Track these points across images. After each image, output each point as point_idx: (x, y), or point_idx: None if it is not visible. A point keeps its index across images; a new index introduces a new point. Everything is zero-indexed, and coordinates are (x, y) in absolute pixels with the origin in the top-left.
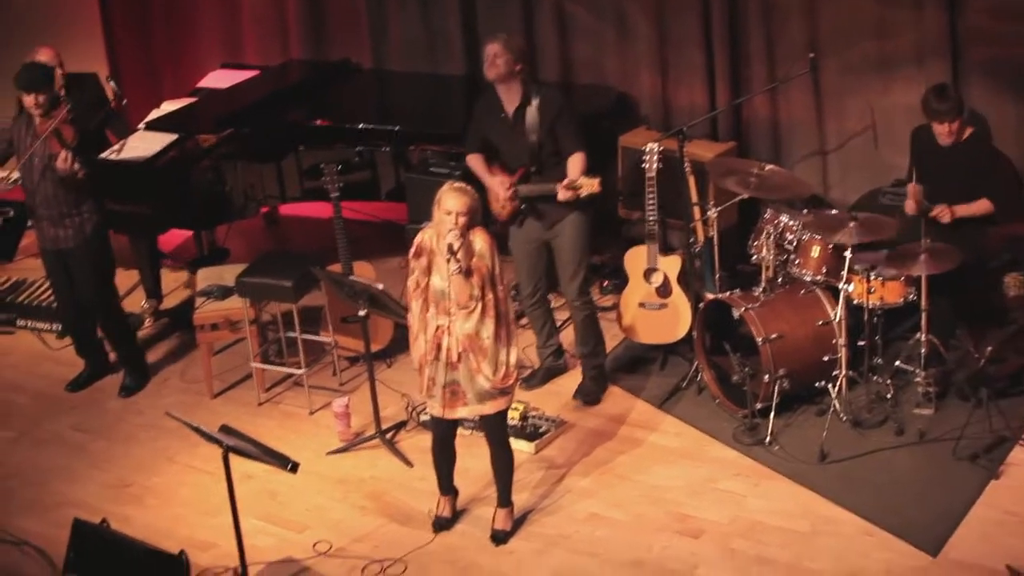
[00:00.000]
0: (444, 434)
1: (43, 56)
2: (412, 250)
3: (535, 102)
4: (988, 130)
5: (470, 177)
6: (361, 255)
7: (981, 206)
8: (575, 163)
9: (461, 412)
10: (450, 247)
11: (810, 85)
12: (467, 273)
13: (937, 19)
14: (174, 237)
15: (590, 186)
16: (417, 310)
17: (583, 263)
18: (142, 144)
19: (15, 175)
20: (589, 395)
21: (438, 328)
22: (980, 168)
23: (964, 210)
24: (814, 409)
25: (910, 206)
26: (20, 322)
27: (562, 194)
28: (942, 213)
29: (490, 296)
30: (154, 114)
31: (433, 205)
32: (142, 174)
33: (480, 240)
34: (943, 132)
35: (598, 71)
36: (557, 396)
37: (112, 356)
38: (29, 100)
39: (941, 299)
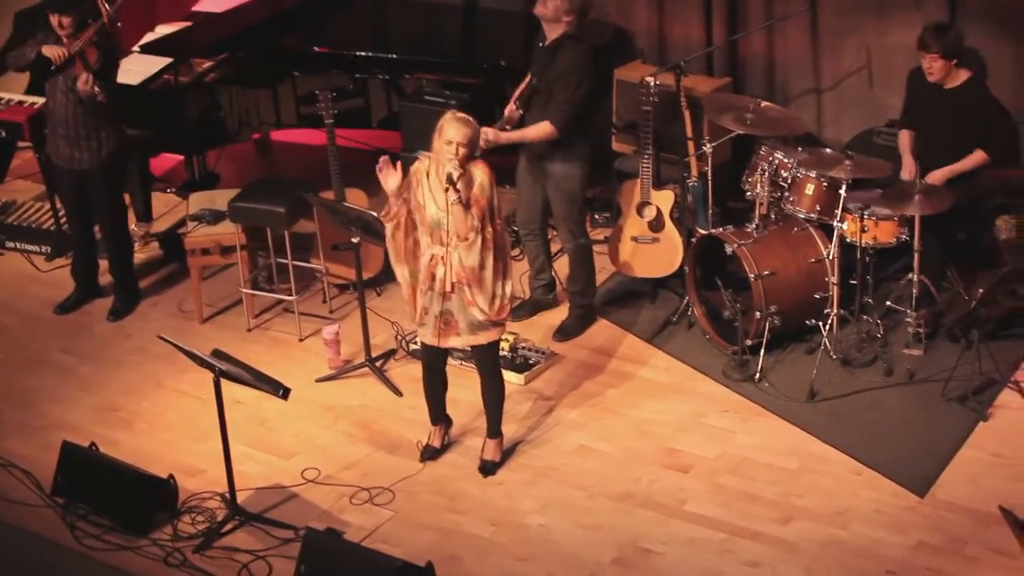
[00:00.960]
0: (435, 362)
1: None
2: (399, 182)
3: (561, 51)
4: (985, 75)
5: (469, 108)
6: (354, 183)
7: (975, 158)
8: (532, 128)
9: (453, 342)
10: (449, 177)
11: (807, 23)
12: (466, 204)
13: None
14: (164, 160)
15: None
16: (392, 235)
17: (572, 209)
18: (135, 67)
19: (12, 97)
20: (569, 333)
21: (432, 257)
22: (975, 114)
23: (957, 168)
24: (804, 347)
25: (906, 172)
26: (9, 244)
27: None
28: (932, 177)
29: (489, 229)
30: (148, 37)
31: (434, 133)
32: (136, 97)
33: (480, 172)
34: (926, 67)
35: (597, 5)
36: (547, 328)
37: (103, 279)
38: (54, 20)
39: (933, 240)
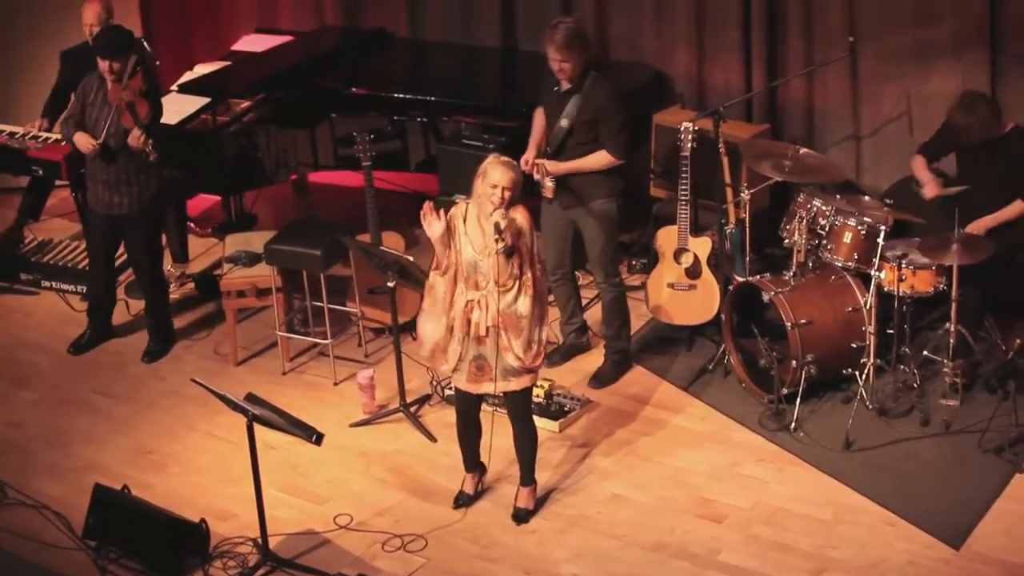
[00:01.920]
0: (469, 408)
1: (87, 14)
2: (443, 230)
3: (584, 92)
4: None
5: (507, 152)
6: (390, 226)
7: (1017, 208)
8: (590, 158)
9: (487, 387)
10: (497, 226)
11: (847, 70)
12: (510, 253)
13: (978, 7)
14: (201, 202)
15: (541, 172)
16: (435, 284)
17: (609, 247)
18: (173, 107)
19: (50, 135)
20: (604, 380)
21: (468, 303)
22: (1018, 164)
23: (995, 220)
24: (840, 396)
25: (930, 191)
26: (45, 283)
27: (523, 166)
28: (974, 230)
29: (528, 275)
30: (187, 76)
31: (476, 176)
32: (173, 137)
33: (520, 217)
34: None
35: (635, 48)
36: (583, 375)
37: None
38: (103, 65)
39: (971, 289)
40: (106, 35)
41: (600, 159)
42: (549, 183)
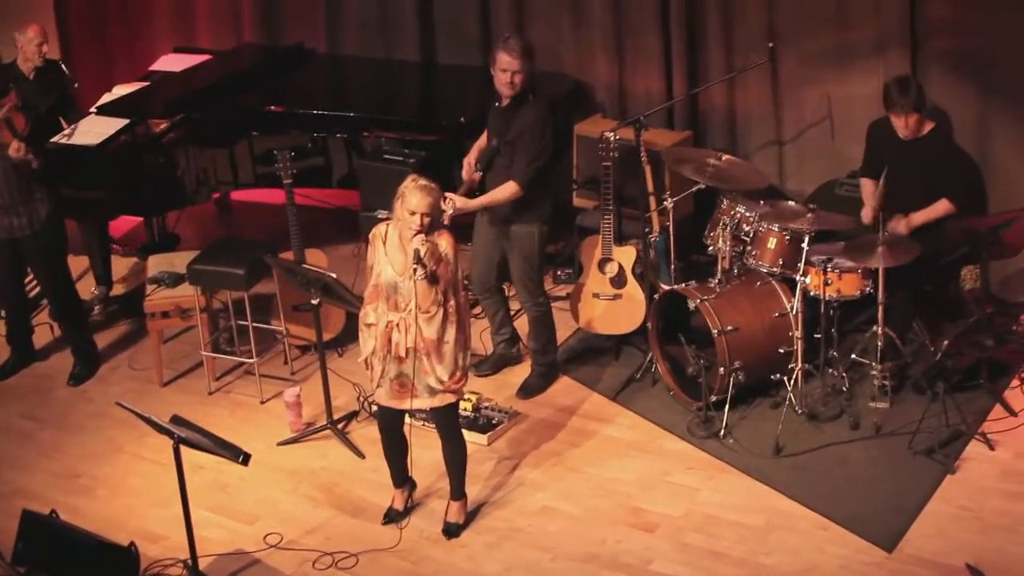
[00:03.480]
0: (391, 424)
1: (34, 32)
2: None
3: (516, 112)
4: (949, 125)
5: (428, 166)
6: (313, 242)
7: (940, 207)
8: (497, 191)
9: (408, 403)
10: (416, 254)
11: (768, 75)
12: (432, 279)
13: (897, 9)
14: (124, 223)
15: (446, 214)
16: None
17: (530, 270)
18: (93, 128)
19: None
20: (531, 391)
21: (388, 324)
22: (940, 164)
23: (922, 217)
24: (769, 402)
25: (867, 214)
26: None
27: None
28: (897, 225)
29: (452, 302)
30: (106, 98)
31: (395, 199)
32: (92, 159)
33: (445, 244)
34: (901, 125)
35: (555, 58)
36: (511, 387)
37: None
38: None
39: (898, 292)
40: None
41: (507, 191)
42: (450, 211)
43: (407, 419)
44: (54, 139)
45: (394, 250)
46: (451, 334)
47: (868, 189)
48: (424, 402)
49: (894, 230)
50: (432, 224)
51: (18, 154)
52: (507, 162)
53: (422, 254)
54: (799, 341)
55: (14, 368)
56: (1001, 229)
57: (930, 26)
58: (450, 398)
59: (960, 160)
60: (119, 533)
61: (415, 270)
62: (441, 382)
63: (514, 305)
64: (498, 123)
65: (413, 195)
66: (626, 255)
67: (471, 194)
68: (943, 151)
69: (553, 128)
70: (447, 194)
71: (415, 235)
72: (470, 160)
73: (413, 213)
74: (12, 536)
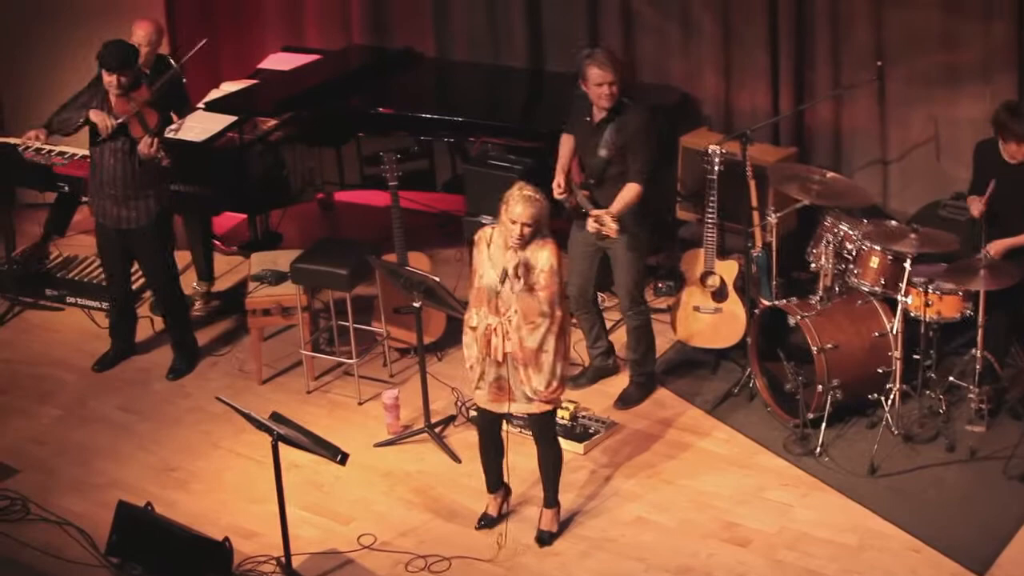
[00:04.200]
0: (490, 427)
1: (141, 30)
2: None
3: (618, 120)
4: None
5: (533, 174)
6: (416, 246)
7: None
8: (624, 194)
9: (506, 407)
10: (504, 272)
11: (875, 93)
12: (531, 289)
13: (1006, 32)
14: (227, 220)
15: (609, 229)
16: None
17: (637, 275)
18: (200, 124)
19: (76, 152)
20: (629, 402)
21: (487, 327)
22: None
23: (1012, 243)
24: (866, 421)
25: (977, 208)
26: (70, 299)
27: (589, 223)
28: (992, 251)
29: (558, 313)
30: (214, 94)
31: (500, 204)
32: (199, 155)
33: (548, 255)
34: (1012, 151)
35: (662, 70)
36: (608, 397)
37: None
38: (110, 79)
39: (998, 315)
40: (112, 50)
41: (632, 192)
42: (613, 224)
43: (504, 424)
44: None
45: (497, 255)
46: (551, 344)
47: (974, 204)
48: (521, 407)
49: (989, 251)
50: (533, 234)
51: (150, 150)
52: (620, 168)
53: (510, 272)
54: (898, 361)
55: (115, 359)
56: None
57: None
58: (547, 406)
59: None
60: (213, 528)
61: (502, 279)
62: (536, 392)
63: (608, 317)
64: (594, 138)
65: (517, 204)
66: (728, 269)
67: (578, 208)
68: None
69: (657, 132)
70: (594, 212)
71: (508, 248)
72: (560, 182)
73: (514, 222)
74: (107, 527)
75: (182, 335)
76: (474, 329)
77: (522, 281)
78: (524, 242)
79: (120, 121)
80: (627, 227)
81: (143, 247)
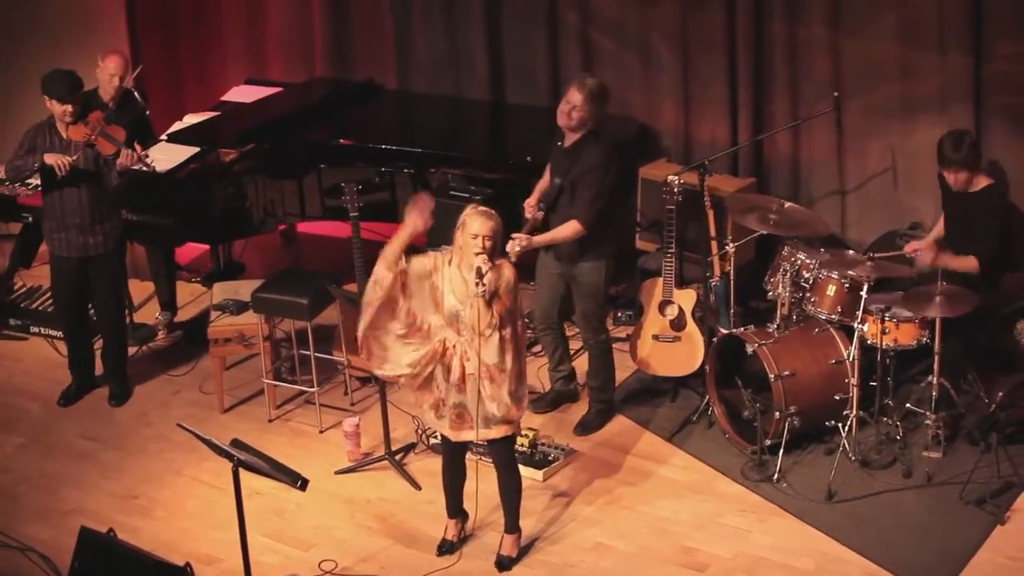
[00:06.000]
0: (454, 453)
1: (112, 63)
2: (424, 260)
3: (579, 151)
4: (1006, 184)
5: (493, 204)
6: None
7: (967, 263)
8: (560, 228)
9: (467, 435)
10: (479, 271)
11: (832, 124)
12: (489, 300)
13: (961, 64)
14: (190, 250)
15: (510, 248)
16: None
17: (595, 307)
18: (164, 155)
19: (38, 182)
20: (589, 429)
21: (446, 342)
22: (987, 221)
23: (951, 262)
24: (823, 448)
25: (926, 258)
26: (34, 328)
27: (509, 244)
28: (927, 253)
29: (509, 330)
30: (177, 126)
31: (456, 229)
32: (163, 185)
33: (507, 271)
34: (951, 180)
35: (622, 102)
36: (568, 424)
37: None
38: (64, 108)
39: (954, 343)
40: (58, 79)
41: (569, 230)
42: (517, 249)
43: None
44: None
45: (456, 279)
46: (508, 361)
47: (926, 256)
48: (482, 434)
49: (925, 254)
50: (494, 249)
51: (131, 160)
52: (569, 201)
53: (484, 271)
54: (855, 388)
55: (78, 393)
56: None
57: (994, 82)
58: (506, 430)
59: (1008, 219)
60: (175, 554)
61: (477, 283)
62: (506, 407)
63: (573, 344)
64: (561, 162)
65: (475, 220)
66: (686, 298)
67: (534, 232)
68: (994, 209)
69: (617, 170)
70: (513, 234)
71: (478, 255)
72: (531, 202)
73: (476, 236)
74: (70, 553)
75: (121, 362)
76: (412, 376)
77: (487, 288)
78: (487, 254)
79: (87, 143)
80: (570, 258)
81: (102, 272)
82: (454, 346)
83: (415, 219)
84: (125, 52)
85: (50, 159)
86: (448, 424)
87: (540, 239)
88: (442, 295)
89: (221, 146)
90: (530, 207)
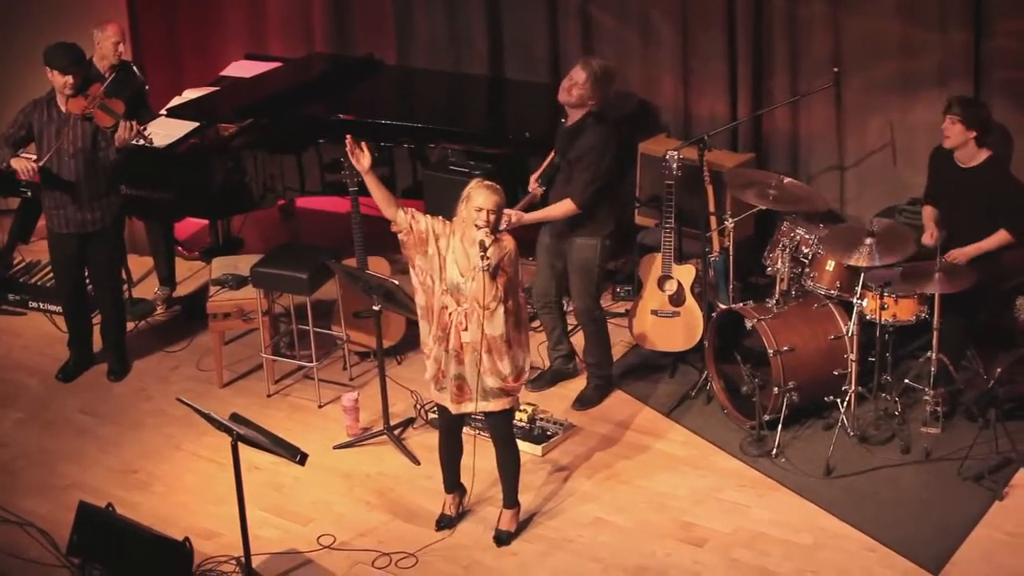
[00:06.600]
0: (451, 427)
1: (112, 31)
2: (416, 227)
3: (584, 129)
4: (1008, 155)
5: (492, 179)
6: (376, 251)
7: (998, 238)
8: (554, 206)
9: (467, 407)
10: (482, 244)
11: (832, 100)
12: (494, 273)
13: (962, 40)
14: (189, 225)
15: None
16: (423, 302)
17: (588, 284)
18: (162, 130)
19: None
20: (587, 404)
21: (445, 309)
22: (995, 193)
23: (976, 249)
24: (821, 423)
25: (927, 237)
26: (32, 303)
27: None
28: (956, 258)
29: (511, 302)
30: (176, 101)
31: (460, 201)
32: (162, 160)
33: (509, 243)
34: (944, 128)
35: (621, 77)
36: (566, 399)
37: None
38: (65, 80)
39: (953, 319)
40: (60, 52)
41: (562, 208)
42: (504, 226)
43: (465, 427)
44: None
45: (459, 252)
46: (511, 332)
47: (927, 213)
48: (480, 406)
49: (953, 259)
50: (498, 222)
51: (130, 133)
52: (566, 179)
53: (487, 244)
54: (853, 364)
55: (77, 369)
56: None
57: (994, 58)
58: (504, 403)
59: (1014, 189)
60: (174, 529)
61: (481, 257)
62: (504, 378)
63: (572, 321)
64: (562, 141)
65: (479, 193)
66: (685, 273)
67: (530, 208)
68: (996, 181)
69: (617, 147)
70: (506, 210)
71: (480, 229)
72: (535, 176)
73: (479, 210)
74: (68, 528)
75: (120, 338)
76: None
77: (491, 261)
78: (490, 228)
79: (85, 115)
80: (563, 234)
81: (101, 248)
82: (450, 314)
83: (360, 161)
84: (123, 25)
85: (17, 163)
86: (449, 396)
87: (532, 216)
88: (445, 263)
89: (220, 121)
90: (533, 181)
